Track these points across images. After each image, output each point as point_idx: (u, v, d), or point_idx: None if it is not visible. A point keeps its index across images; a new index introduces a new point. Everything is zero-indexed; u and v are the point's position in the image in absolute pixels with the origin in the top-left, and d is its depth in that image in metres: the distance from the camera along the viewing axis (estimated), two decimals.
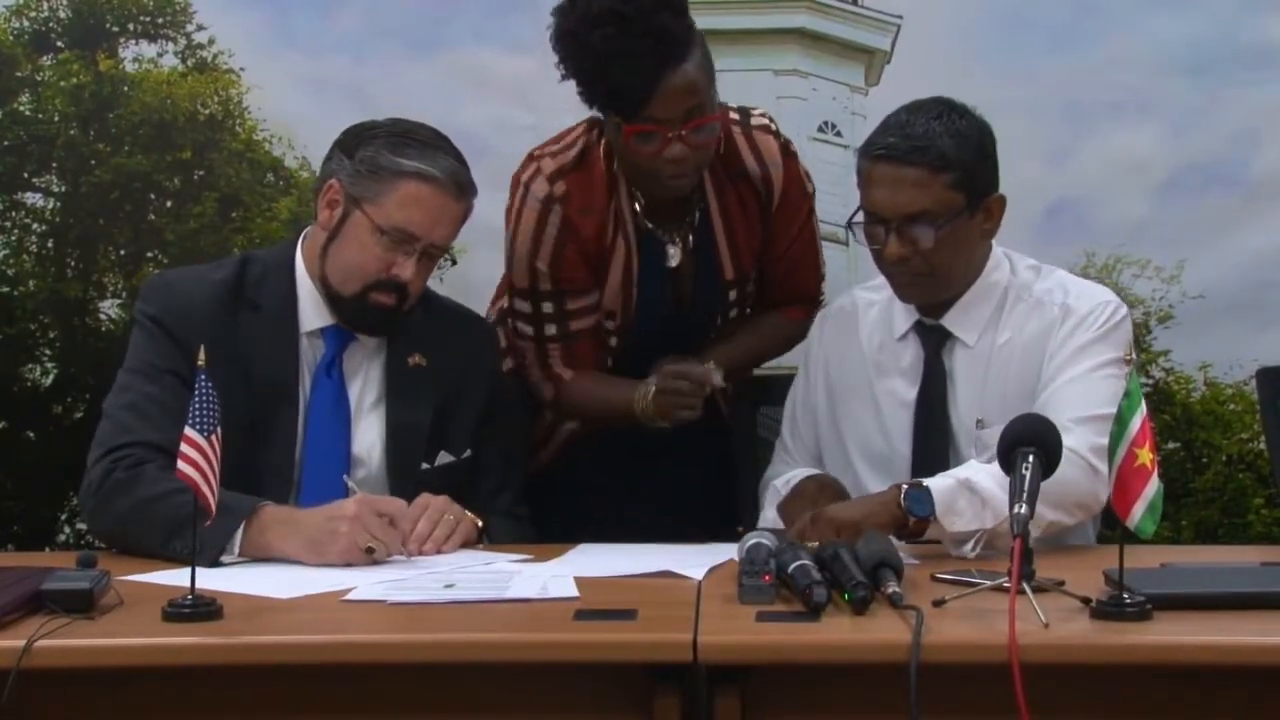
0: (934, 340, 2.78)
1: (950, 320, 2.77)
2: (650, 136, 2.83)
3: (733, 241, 3.05)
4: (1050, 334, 2.72)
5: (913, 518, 2.46)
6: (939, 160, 2.63)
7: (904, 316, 2.81)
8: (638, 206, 3.00)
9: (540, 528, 2.89)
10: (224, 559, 2.41)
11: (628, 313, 3.04)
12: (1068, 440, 2.25)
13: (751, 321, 3.18)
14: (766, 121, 3.08)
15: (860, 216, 2.71)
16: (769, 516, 2.76)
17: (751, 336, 3.15)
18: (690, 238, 3.04)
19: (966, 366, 2.76)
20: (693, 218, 3.03)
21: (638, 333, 3.07)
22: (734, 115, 3.04)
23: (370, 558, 2.37)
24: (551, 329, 3.03)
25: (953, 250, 2.67)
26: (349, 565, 2.37)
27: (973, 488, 2.46)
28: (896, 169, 2.64)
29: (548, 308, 3.01)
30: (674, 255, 3.03)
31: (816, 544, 2.23)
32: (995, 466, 2.40)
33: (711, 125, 2.88)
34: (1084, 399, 2.60)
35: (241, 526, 2.42)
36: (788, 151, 3.07)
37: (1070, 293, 2.76)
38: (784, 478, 2.80)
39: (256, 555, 2.42)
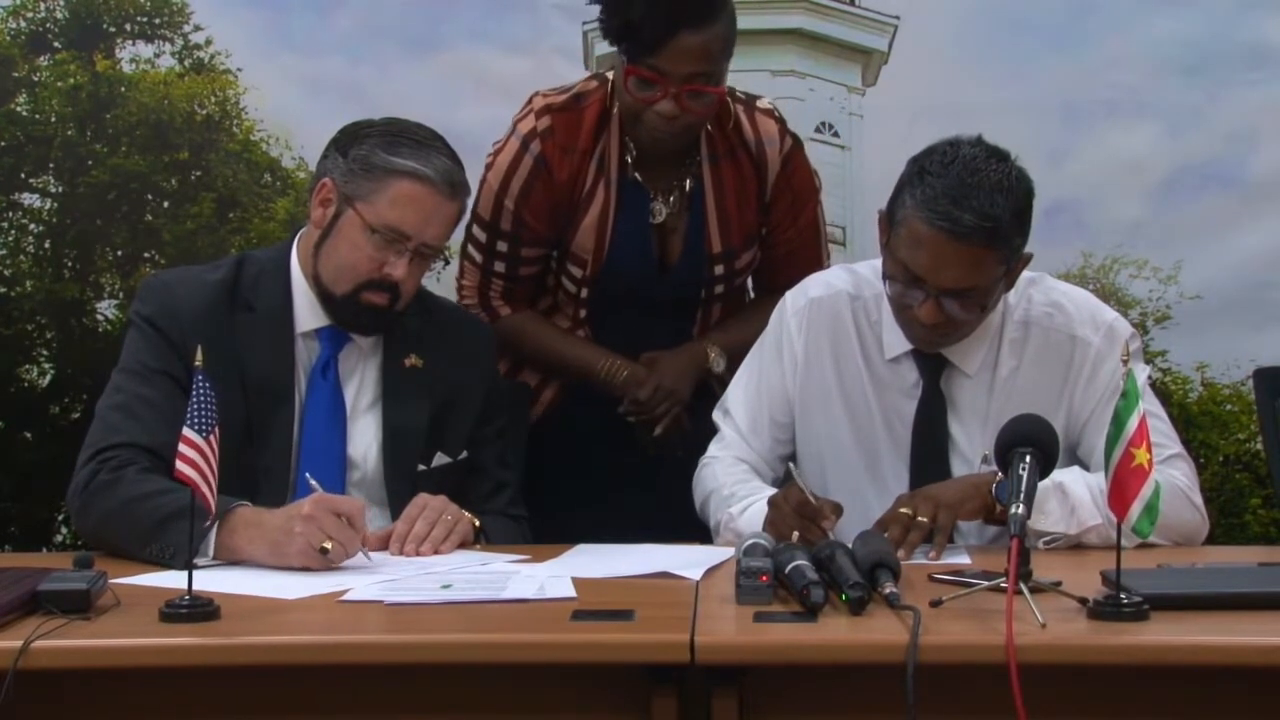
0: (932, 366, 2.71)
1: (949, 349, 2.70)
2: (647, 84, 2.87)
3: (723, 212, 3.08)
4: (1068, 371, 2.68)
5: (1000, 506, 2.45)
6: (994, 240, 2.50)
7: (898, 339, 2.71)
8: (629, 158, 3.03)
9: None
10: (197, 561, 2.37)
11: (598, 260, 3.07)
12: (1174, 477, 2.55)
13: (748, 308, 3.23)
14: (771, 108, 3.12)
15: (893, 267, 2.57)
16: (733, 537, 2.58)
17: (747, 324, 3.15)
18: (680, 200, 3.07)
19: (968, 397, 2.71)
20: (684, 180, 3.07)
21: (614, 289, 3.10)
22: (740, 95, 3.09)
23: (325, 559, 2.31)
24: (500, 266, 3.10)
25: (980, 314, 2.61)
26: (307, 569, 2.31)
27: (1065, 492, 2.51)
28: (955, 244, 2.49)
29: (501, 246, 3.07)
30: (659, 211, 3.07)
31: (813, 542, 2.23)
32: (1095, 477, 2.52)
33: (710, 97, 2.91)
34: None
35: (214, 529, 2.38)
36: (794, 140, 3.12)
37: (1072, 316, 2.71)
38: (741, 504, 2.67)
39: (227, 558, 2.39)
